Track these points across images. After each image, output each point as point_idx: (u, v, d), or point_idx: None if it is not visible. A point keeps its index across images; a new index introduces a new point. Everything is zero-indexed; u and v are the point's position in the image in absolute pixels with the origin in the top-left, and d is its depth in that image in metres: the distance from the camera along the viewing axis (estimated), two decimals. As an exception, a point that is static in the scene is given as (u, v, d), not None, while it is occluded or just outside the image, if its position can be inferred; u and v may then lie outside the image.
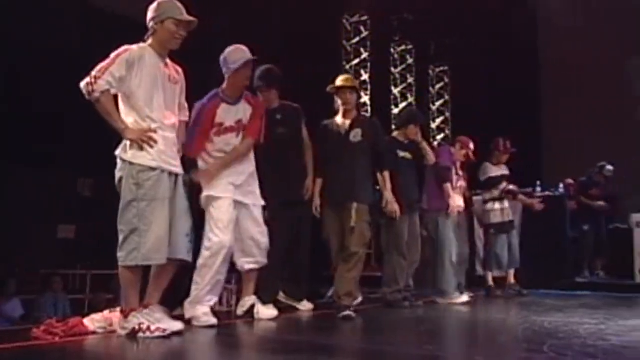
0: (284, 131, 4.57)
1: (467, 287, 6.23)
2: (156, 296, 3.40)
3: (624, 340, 3.41)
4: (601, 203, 8.32)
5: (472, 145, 6.23)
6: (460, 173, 6.19)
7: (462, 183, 6.20)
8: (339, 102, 4.59)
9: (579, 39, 11.59)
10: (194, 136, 3.90)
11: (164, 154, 3.36)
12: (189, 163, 3.82)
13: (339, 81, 4.63)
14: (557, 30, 12.10)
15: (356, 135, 4.50)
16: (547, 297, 6.40)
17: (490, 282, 6.62)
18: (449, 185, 5.67)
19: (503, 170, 6.70)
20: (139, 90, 3.33)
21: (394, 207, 4.83)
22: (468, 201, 6.48)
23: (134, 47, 3.38)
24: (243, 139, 4.01)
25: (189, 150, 3.85)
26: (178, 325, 3.31)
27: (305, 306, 4.72)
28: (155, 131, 3.34)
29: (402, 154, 5.25)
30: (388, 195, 4.77)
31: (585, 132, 11.35)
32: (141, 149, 3.30)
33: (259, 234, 4.07)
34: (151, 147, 3.31)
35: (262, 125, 4.12)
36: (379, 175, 4.76)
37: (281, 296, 4.70)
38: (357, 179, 4.43)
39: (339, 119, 4.64)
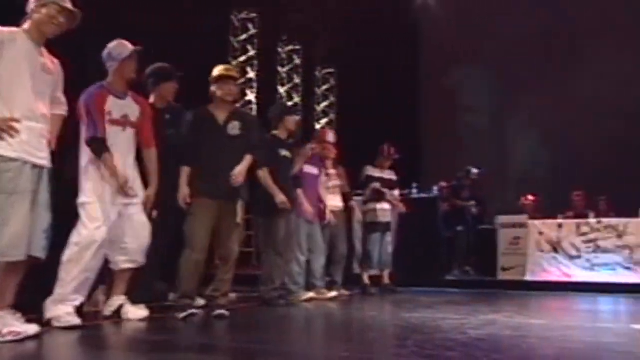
0: (173, 132, 4.54)
1: (344, 285, 6.40)
2: (7, 297, 3.17)
3: (481, 333, 3.63)
4: (473, 203, 8.88)
5: (330, 137, 6.32)
6: (332, 171, 6.30)
7: (336, 182, 6.33)
8: (219, 92, 4.34)
9: (456, 48, 12.24)
10: (95, 119, 3.80)
11: (27, 145, 3.16)
12: (98, 147, 3.77)
13: (223, 70, 4.44)
14: (437, 39, 12.70)
15: (234, 128, 4.32)
16: (419, 295, 6.68)
17: (366, 281, 6.83)
18: (300, 191, 5.62)
19: (384, 174, 6.95)
20: (5, 74, 3.13)
21: (281, 197, 4.91)
22: (347, 200, 6.65)
23: (5, 29, 3.20)
24: (145, 149, 4.06)
25: (96, 133, 3.79)
26: (34, 328, 3.10)
27: (198, 302, 4.60)
28: (18, 120, 3.13)
29: (283, 152, 5.24)
30: (275, 190, 4.89)
31: (460, 138, 12.00)
32: (1, 138, 3.09)
33: (141, 233, 3.96)
34: (11, 136, 3.10)
35: (152, 129, 4.13)
36: (259, 172, 4.75)
37: (173, 297, 4.57)
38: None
39: (213, 109, 4.39)
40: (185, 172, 4.21)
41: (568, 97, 10.88)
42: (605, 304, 6.41)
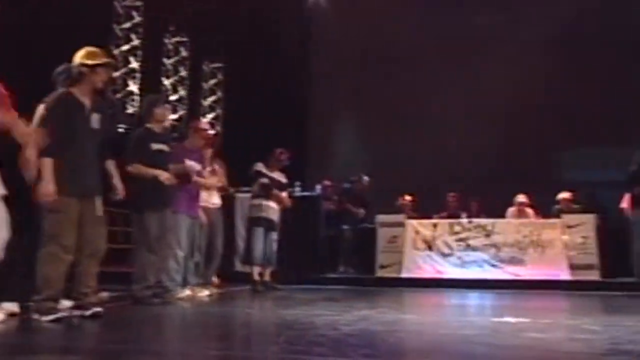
0: None
1: (226, 282, 6.34)
2: None
3: (352, 329, 3.71)
4: (362, 210, 9.16)
5: (204, 125, 6.23)
6: (208, 168, 6.19)
7: (216, 177, 6.24)
8: (95, 78, 4.04)
9: (344, 49, 12.47)
10: None
11: None
12: None
13: (104, 56, 4.14)
14: (327, 39, 12.87)
15: (95, 120, 4.08)
16: (298, 292, 6.74)
17: (256, 277, 6.76)
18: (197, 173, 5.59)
19: (274, 175, 6.95)
20: None
21: (164, 174, 4.87)
22: (225, 196, 6.57)
23: None
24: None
25: None
26: None
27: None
28: None
29: (156, 146, 5.05)
30: (153, 171, 4.81)
31: (345, 138, 12.24)
32: None
33: (2, 228, 3.64)
34: None
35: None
36: (128, 168, 4.58)
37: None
38: (98, 169, 4.15)
39: (81, 95, 4.05)
40: (49, 164, 3.84)
41: (446, 102, 11.41)
42: (472, 299, 6.80)
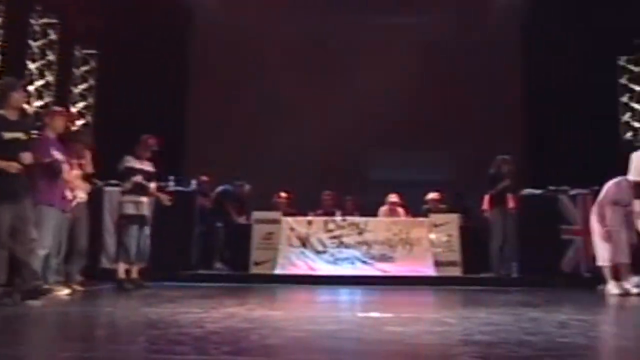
0: None
1: (90, 279, 6.02)
2: None
3: (217, 326, 3.63)
4: (243, 217, 9.13)
5: (59, 108, 5.92)
6: (74, 161, 5.86)
7: (78, 171, 5.92)
8: None
9: (227, 44, 12.29)
10: None
11: None
12: None
13: None
14: (210, 33, 12.60)
15: None
16: (168, 289, 6.53)
17: (122, 275, 6.49)
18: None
19: (144, 166, 6.69)
20: None
21: (11, 164, 4.51)
22: (92, 189, 6.26)
23: None
24: None
25: None
26: None
27: None
28: None
29: (9, 135, 4.64)
30: None
31: (224, 134, 12.03)
32: None
33: None
34: None
35: None
36: None
37: None
38: None
39: None
40: None
41: (329, 104, 11.56)
42: (343, 295, 6.94)
